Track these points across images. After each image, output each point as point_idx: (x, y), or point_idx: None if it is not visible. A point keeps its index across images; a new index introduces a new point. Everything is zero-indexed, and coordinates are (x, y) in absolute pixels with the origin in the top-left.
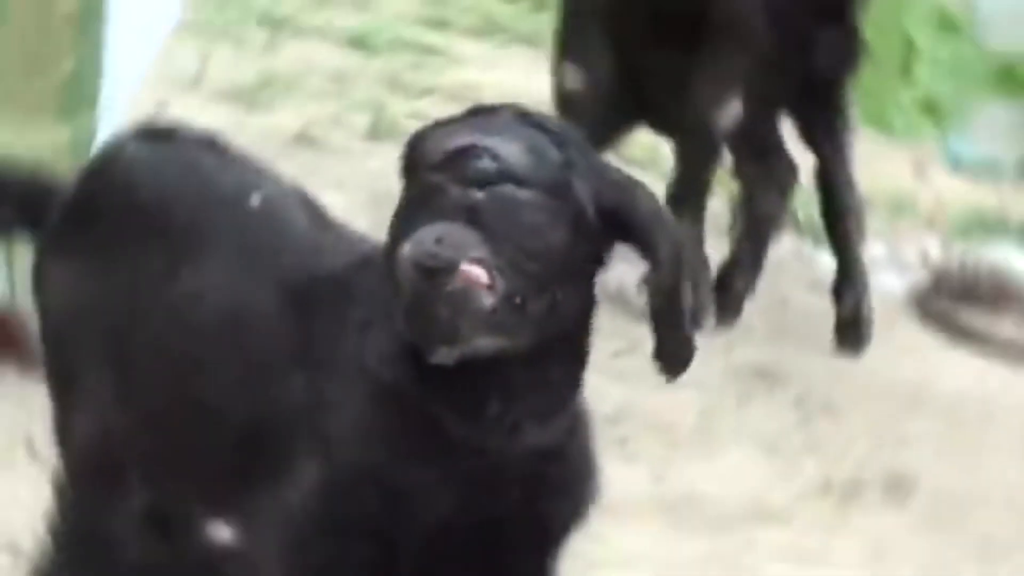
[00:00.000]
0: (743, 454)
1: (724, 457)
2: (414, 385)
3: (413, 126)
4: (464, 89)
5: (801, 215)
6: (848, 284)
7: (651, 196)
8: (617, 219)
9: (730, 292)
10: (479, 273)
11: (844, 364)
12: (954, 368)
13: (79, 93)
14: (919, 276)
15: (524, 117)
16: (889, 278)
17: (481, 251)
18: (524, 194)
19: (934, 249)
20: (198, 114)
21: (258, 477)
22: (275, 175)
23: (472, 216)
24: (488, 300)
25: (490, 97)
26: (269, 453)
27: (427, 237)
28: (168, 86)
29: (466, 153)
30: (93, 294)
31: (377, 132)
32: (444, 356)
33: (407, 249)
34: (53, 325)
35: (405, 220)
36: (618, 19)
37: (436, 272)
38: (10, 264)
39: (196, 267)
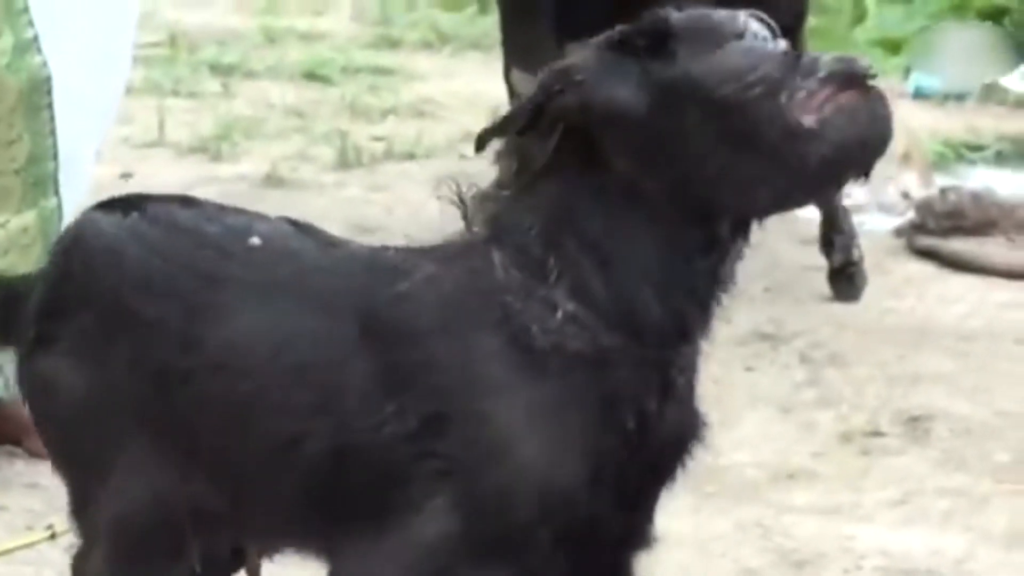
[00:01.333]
0: (759, 419)
1: (741, 425)
2: (629, 335)
3: (380, 150)
4: (424, 103)
5: None
6: (835, 232)
7: None
8: None
9: None
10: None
11: (844, 313)
12: (952, 299)
13: (38, 175)
14: (903, 214)
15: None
16: (874, 220)
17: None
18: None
19: (914, 185)
20: (164, 173)
21: (352, 512)
22: (257, 213)
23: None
24: None
25: (451, 107)
26: (361, 486)
27: (832, 58)
28: (129, 150)
29: (755, 19)
30: (105, 374)
31: (345, 161)
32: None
33: (831, 66)
34: (63, 416)
35: (765, 76)
36: (564, 11)
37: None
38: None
39: (222, 315)
